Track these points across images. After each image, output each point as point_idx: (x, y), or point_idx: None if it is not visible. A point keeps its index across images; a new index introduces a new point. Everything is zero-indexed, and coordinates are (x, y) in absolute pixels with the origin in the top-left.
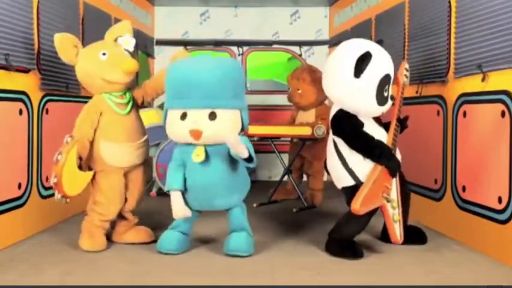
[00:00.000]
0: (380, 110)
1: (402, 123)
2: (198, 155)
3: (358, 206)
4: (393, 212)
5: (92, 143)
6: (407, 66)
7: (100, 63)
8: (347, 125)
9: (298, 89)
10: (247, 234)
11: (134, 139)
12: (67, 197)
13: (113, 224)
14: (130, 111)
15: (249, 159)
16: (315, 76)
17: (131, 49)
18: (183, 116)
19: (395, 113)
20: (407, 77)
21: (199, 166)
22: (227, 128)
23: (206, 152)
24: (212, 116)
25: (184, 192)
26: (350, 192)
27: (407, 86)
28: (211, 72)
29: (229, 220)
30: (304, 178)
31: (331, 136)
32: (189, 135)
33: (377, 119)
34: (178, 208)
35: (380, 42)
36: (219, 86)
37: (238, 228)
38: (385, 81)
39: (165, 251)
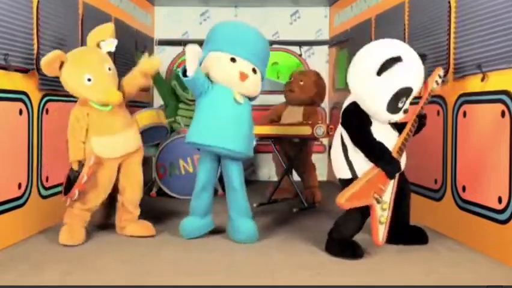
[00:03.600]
0: (388, 118)
1: (421, 120)
2: (240, 97)
3: (343, 200)
4: (382, 213)
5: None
6: (441, 73)
7: (84, 87)
8: (355, 120)
9: (301, 81)
10: (252, 222)
11: (122, 130)
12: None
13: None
14: (113, 107)
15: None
16: (319, 81)
17: (113, 50)
18: (233, 60)
19: (411, 117)
20: (437, 84)
21: (234, 104)
22: (257, 87)
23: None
24: (254, 71)
25: (202, 118)
26: (346, 185)
27: (434, 92)
28: (260, 37)
29: (231, 198)
30: (298, 178)
31: (341, 126)
32: (237, 75)
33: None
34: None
35: (423, 56)
36: (262, 50)
37: (242, 213)
38: (404, 93)
39: (187, 237)
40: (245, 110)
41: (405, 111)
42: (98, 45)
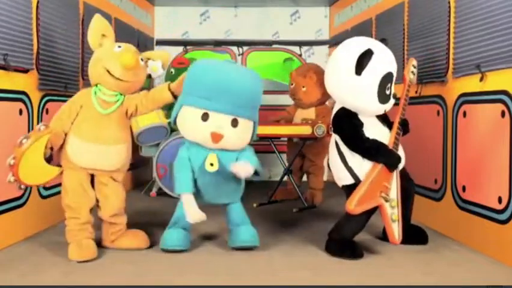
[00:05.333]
0: (381, 109)
1: (404, 127)
2: (212, 164)
3: (352, 206)
4: (392, 211)
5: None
6: (414, 63)
7: (109, 53)
8: (345, 125)
9: (304, 87)
10: (251, 227)
11: (107, 143)
12: (21, 183)
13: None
14: (112, 113)
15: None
16: (321, 77)
17: (154, 76)
18: (204, 117)
19: (399, 111)
20: (414, 74)
21: (210, 172)
22: (244, 137)
23: (218, 159)
24: (234, 123)
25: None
26: (350, 191)
27: (413, 84)
28: (242, 81)
29: (230, 215)
30: (304, 178)
31: (334, 134)
32: (209, 137)
33: (382, 116)
34: (193, 212)
35: (383, 41)
36: (246, 96)
37: (243, 221)
38: (387, 79)
39: (171, 248)
40: (229, 166)
41: (394, 96)
42: (145, 62)
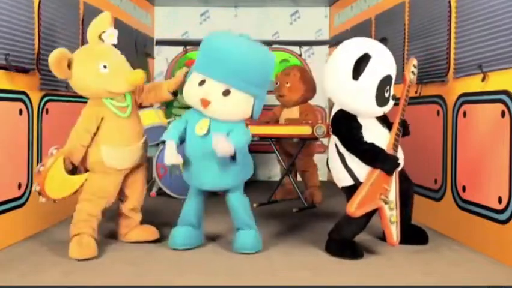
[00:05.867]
0: (380, 111)
1: (405, 129)
2: (201, 128)
3: (353, 209)
4: (391, 213)
5: (88, 147)
6: (415, 62)
7: (102, 77)
8: (343, 127)
9: (287, 83)
10: (253, 232)
11: (135, 141)
12: (54, 200)
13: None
14: (131, 113)
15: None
16: (305, 75)
17: (115, 41)
18: (201, 83)
19: (399, 111)
20: (414, 74)
21: (199, 137)
22: (235, 110)
23: (209, 126)
24: (226, 93)
25: (185, 163)
26: (349, 192)
27: (414, 84)
28: (242, 52)
29: (233, 217)
30: (300, 178)
31: (333, 135)
32: (199, 102)
33: (382, 117)
34: (170, 154)
35: (383, 40)
36: (241, 67)
37: (243, 226)
38: (386, 82)
39: (180, 247)
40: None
41: (394, 98)
42: (100, 38)
